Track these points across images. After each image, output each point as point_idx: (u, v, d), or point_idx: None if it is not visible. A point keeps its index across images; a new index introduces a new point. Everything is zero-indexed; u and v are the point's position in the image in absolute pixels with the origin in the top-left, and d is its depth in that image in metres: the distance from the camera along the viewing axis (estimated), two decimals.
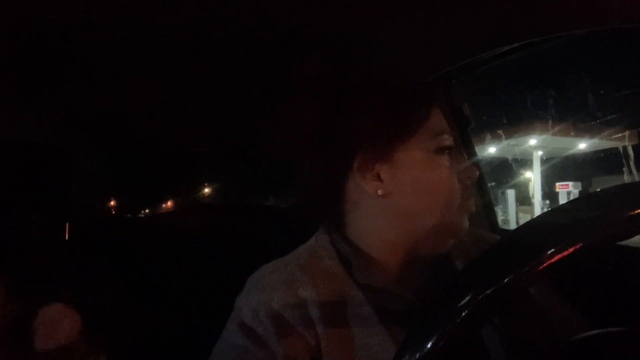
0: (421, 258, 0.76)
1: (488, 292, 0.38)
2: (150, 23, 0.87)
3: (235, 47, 1.00)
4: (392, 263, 0.75)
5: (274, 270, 0.75)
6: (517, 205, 13.83)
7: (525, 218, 12.08)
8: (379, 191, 0.73)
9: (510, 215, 13.28)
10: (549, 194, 14.84)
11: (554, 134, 14.85)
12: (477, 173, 0.76)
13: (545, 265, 0.38)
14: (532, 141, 14.55)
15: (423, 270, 0.77)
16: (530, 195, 14.74)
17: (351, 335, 0.68)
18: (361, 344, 0.67)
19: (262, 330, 0.67)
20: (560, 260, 0.38)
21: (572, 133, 15.73)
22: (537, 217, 0.46)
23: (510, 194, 13.79)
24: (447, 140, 0.73)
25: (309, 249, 0.78)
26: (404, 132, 0.72)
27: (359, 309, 0.70)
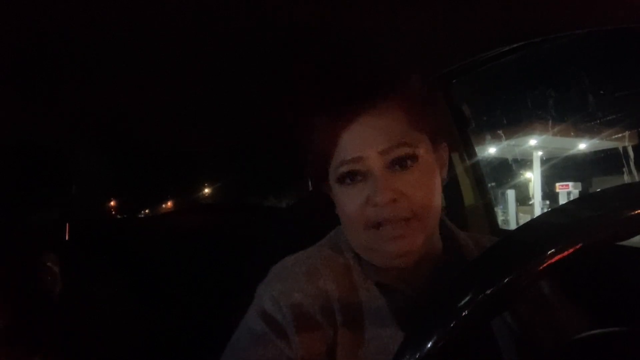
0: (423, 260, 0.76)
1: (488, 292, 0.38)
2: (150, 23, 0.86)
3: (235, 47, 1.00)
4: (393, 268, 0.75)
5: (297, 261, 0.76)
6: (517, 206, 13.82)
7: (525, 218, 12.06)
8: (335, 210, 0.76)
9: (510, 215, 13.28)
10: (549, 194, 14.83)
11: (554, 134, 14.84)
12: (384, 198, 0.66)
13: (545, 265, 0.38)
14: (532, 141, 14.54)
15: (430, 270, 0.77)
16: (530, 196, 14.73)
17: (363, 326, 0.69)
18: (372, 336, 0.69)
19: (281, 318, 0.69)
20: (560, 260, 0.38)
21: (572, 133, 15.72)
22: (537, 217, 0.47)
23: (510, 194, 13.79)
24: (346, 168, 0.69)
25: (329, 241, 0.81)
26: (318, 162, 0.73)
27: (372, 303, 0.71)
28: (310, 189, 0.83)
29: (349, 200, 0.70)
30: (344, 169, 0.69)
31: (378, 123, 0.68)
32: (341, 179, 0.70)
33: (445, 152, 0.78)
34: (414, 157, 0.68)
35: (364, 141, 0.68)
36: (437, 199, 0.72)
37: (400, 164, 0.68)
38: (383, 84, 0.71)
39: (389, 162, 0.68)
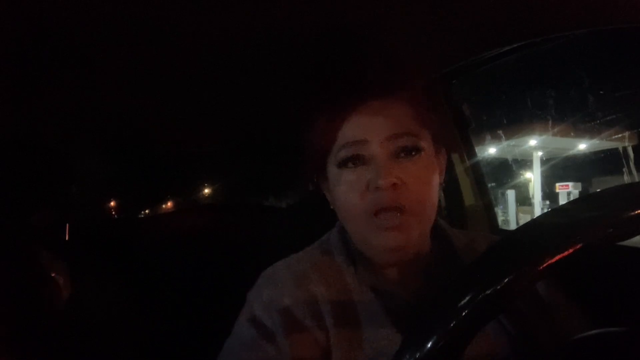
0: (415, 261, 0.75)
1: (488, 292, 0.38)
2: (150, 22, 0.87)
3: (235, 47, 1.00)
4: (387, 264, 0.76)
5: (287, 266, 0.76)
6: (517, 206, 13.84)
7: (525, 218, 12.08)
8: (330, 205, 0.76)
9: (510, 215, 13.29)
10: (549, 194, 14.84)
11: (554, 135, 14.85)
12: (385, 182, 0.65)
13: (545, 265, 0.38)
14: (532, 142, 14.55)
15: (424, 272, 0.77)
16: (530, 196, 14.74)
17: (359, 331, 0.69)
18: (368, 340, 0.68)
19: (271, 324, 0.68)
20: (560, 260, 0.38)
21: (572, 133, 15.74)
22: (537, 217, 0.46)
23: (511, 194, 13.80)
24: (349, 151, 0.69)
25: (321, 245, 0.80)
26: (318, 148, 0.73)
27: (367, 306, 0.71)
28: (304, 177, 0.82)
29: (349, 186, 0.69)
30: (347, 151, 0.69)
31: (386, 111, 0.68)
32: (342, 163, 0.70)
33: (444, 158, 0.78)
34: (417, 149, 0.69)
35: (370, 126, 0.68)
36: (435, 197, 0.72)
37: (404, 152, 0.68)
38: (393, 75, 0.71)
39: (393, 150, 0.68)
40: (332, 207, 0.77)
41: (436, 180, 0.72)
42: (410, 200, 0.67)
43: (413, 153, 0.69)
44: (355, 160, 0.69)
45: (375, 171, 0.67)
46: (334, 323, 0.68)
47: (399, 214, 0.67)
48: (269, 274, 0.76)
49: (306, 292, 0.71)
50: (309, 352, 0.67)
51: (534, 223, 0.46)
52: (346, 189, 0.70)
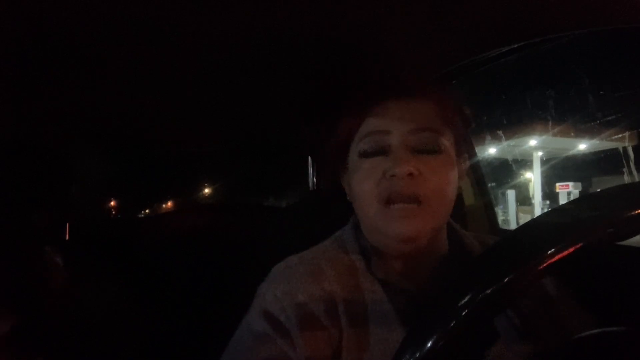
0: (428, 257, 0.76)
1: (488, 291, 0.38)
2: (150, 22, 0.87)
3: (235, 47, 1.00)
4: (400, 260, 0.76)
5: (301, 262, 0.75)
6: (517, 206, 13.84)
7: (525, 218, 12.08)
8: (347, 197, 0.78)
9: (511, 215, 13.30)
10: (549, 194, 14.86)
11: (554, 135, 14.86)
12: (401, 170, 0.68)
13: (545, 265, 0.38)
14: (532, 142, 14.56)
15: (436, 270, 0.77)
16: (531, 196, 14.76)
17: (369, 330, 0.69)
18: (378, 339, 0.68)
19: (284, 318, 0.68)
20: (560, 260, 0.38)
21: (572, 134, 15.74)
22: (537, 217, 0.47)
23: (511, 194, 13.82)
24: (371, 140, 0.72)
25: (335, 241, 0.80)
26: (342, 137, 0.75)
27: (379, 305, 0.71)
28: (326, 168, 0.84)
29: (367, 173, 0.71)
30: (369, 140, 0.72)
31: (411, 107, 0.72)
32: (364, 151, 0.72)
33: (465, 163, 0.80)
34: (438, 145, 0.71)
35: (394, 119, 0.71)
36: (451, 194, 0.73)
37: (424, 147, 0.71)
38: (421, 74, 0.75)
39: (414, 143, 0.70)
40: (348, 198, 0.78)
41: (454, 178, 0.73)
42: (425, 192, 0.68)
43: (433, 149, 0.71)
44: (376, 149, 0.71)
45: (393, 160, 0.69)
46: (347, 322, 0.68)
47: (411, 205, 0.68)
48: (282, 269, 0.75)
49: (321, 290, 0.70)
50: (320, 348, 0.67)
51: (534, 223, 0.46)
52: (364, 176, 0.72)
